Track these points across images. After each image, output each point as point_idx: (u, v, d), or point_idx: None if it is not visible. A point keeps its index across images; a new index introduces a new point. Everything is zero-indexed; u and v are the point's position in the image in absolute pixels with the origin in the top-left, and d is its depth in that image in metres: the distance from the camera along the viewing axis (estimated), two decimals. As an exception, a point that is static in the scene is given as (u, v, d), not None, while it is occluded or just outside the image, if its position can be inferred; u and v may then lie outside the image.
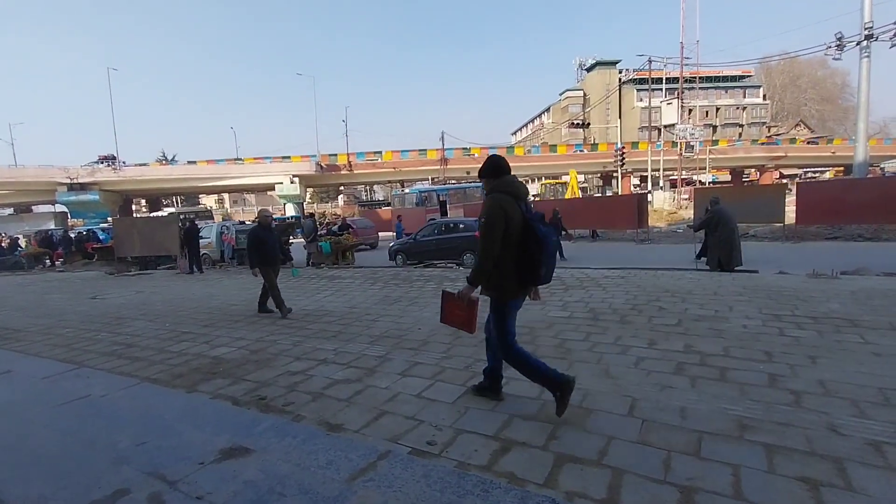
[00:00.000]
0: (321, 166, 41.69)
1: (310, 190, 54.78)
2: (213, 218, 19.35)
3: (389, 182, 50.97)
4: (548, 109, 74.32)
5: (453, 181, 42.10)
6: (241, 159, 44.43)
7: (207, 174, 41.00)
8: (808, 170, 50.32)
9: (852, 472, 2.11)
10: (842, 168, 44.36)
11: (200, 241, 14.21)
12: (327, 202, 72.30)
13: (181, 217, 17.12)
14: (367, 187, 69.97)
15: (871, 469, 2.13)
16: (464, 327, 2.91)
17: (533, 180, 58.65)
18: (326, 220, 21.34)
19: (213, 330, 5.74)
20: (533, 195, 47.88)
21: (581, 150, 46.70)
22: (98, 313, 7.46)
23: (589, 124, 55.26)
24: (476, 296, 2.83)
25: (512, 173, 2.84)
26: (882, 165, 31.60)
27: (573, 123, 52.58)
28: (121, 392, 3.72)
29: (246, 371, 4.04)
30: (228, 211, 63.54)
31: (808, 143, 48.27)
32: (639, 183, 42.82)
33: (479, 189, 27.97)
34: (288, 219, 16.46)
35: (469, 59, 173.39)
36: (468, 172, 43.60)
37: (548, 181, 45.68)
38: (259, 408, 3.22)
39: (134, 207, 40.00)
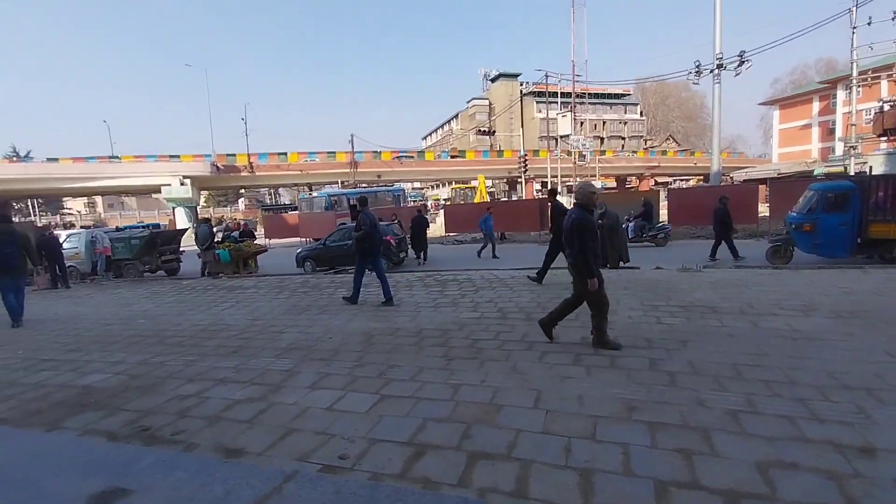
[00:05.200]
0: (217, 167, 38.24)
1: (204, 193, 49.94)
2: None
3: (296, 185, 48.46)
4: (456, 116, 76.45)
5: (364, 185, 41.27)
6: (117, 157, 39.00)
7: (75, 174, 35.23)
8: (676, 178, 58.11)
9: (716, 440, 2.46)
10: (702, 176, 52.02)
11: (65, 251, 12.21)
12: (225, 206, 66.49)
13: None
14: (272, 190, 65.76)
15: (730, 435, 2.50)
16: None
17: (443, 184, 59.88)
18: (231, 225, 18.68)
19: (83, 355, 4.94)
20: (444, 199, 48.85)
21: (488, 157, 48.76)
22: (-83, 344, 6.00)
23: (494, 132, 58.09)
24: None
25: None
26: (731, 175, 37.97)
27: (480, 131, 54.84)
28: (-49, 440, 3.03)
29: (125, 400, 3.54)
30: (102, 216, 55.49)
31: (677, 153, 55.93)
32: (541, 188, 45.86)
33: (389, 193, 27.87)
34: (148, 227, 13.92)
35: (378, 61, 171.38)
36: (379, 176, 43.10)
37: (458, 185, 46.93)
38: (142, 440, 2.84)
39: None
